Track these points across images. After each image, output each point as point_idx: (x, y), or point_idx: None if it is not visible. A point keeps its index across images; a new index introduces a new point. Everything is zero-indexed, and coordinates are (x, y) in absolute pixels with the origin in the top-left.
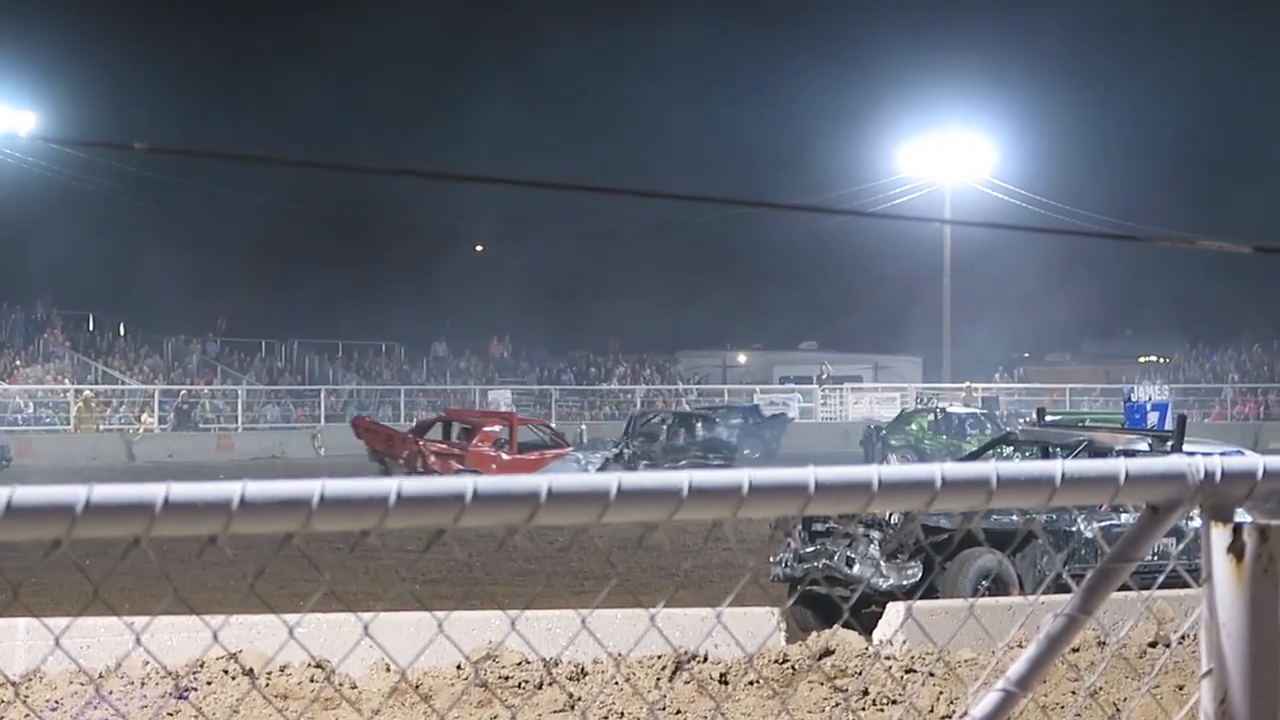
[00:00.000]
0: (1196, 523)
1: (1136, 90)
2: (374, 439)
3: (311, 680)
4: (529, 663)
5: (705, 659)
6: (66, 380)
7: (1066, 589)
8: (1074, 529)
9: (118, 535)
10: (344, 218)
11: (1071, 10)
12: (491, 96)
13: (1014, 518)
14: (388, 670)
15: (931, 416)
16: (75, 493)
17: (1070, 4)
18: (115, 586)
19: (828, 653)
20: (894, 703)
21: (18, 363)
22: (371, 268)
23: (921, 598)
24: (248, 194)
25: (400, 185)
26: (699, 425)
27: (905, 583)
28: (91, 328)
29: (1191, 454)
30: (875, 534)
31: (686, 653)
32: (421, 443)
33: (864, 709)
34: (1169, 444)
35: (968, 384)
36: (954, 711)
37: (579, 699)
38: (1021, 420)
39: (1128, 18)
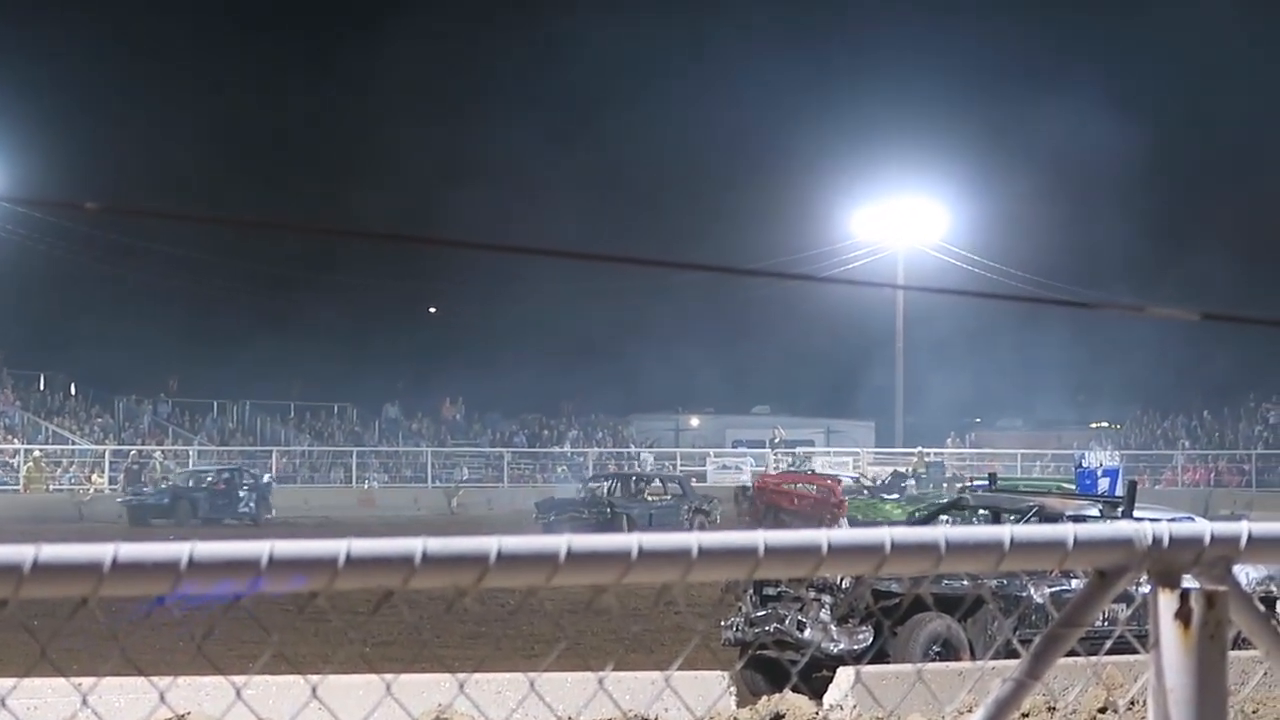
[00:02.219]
0: (1146, 588)
1: (1089, 158)
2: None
3: None
4: None
5: None
6: (16, 440)
7: (1016, 654)
8: (1024, 594)
9: (65, 595)
10: (295, 278)
11: (1025, 78)
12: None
13: (964, 582)
14: None
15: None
16: (23, 552)
17: (1023, 72)
18: (62, 647)
19: (778, 717)
20: None
21: None
22: (324, 329)
23: (871, 662)
24: (200, 254)
25: (353, 246)
26: None
27: (856, 647)
28: (42, 387)
29: (1141, 520)
30: (826, 598)
31: (636, 716)
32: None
33: None
34: (1120, 510)
35: (919, 449)
36: None
37: None
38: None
39: (1081, 86)
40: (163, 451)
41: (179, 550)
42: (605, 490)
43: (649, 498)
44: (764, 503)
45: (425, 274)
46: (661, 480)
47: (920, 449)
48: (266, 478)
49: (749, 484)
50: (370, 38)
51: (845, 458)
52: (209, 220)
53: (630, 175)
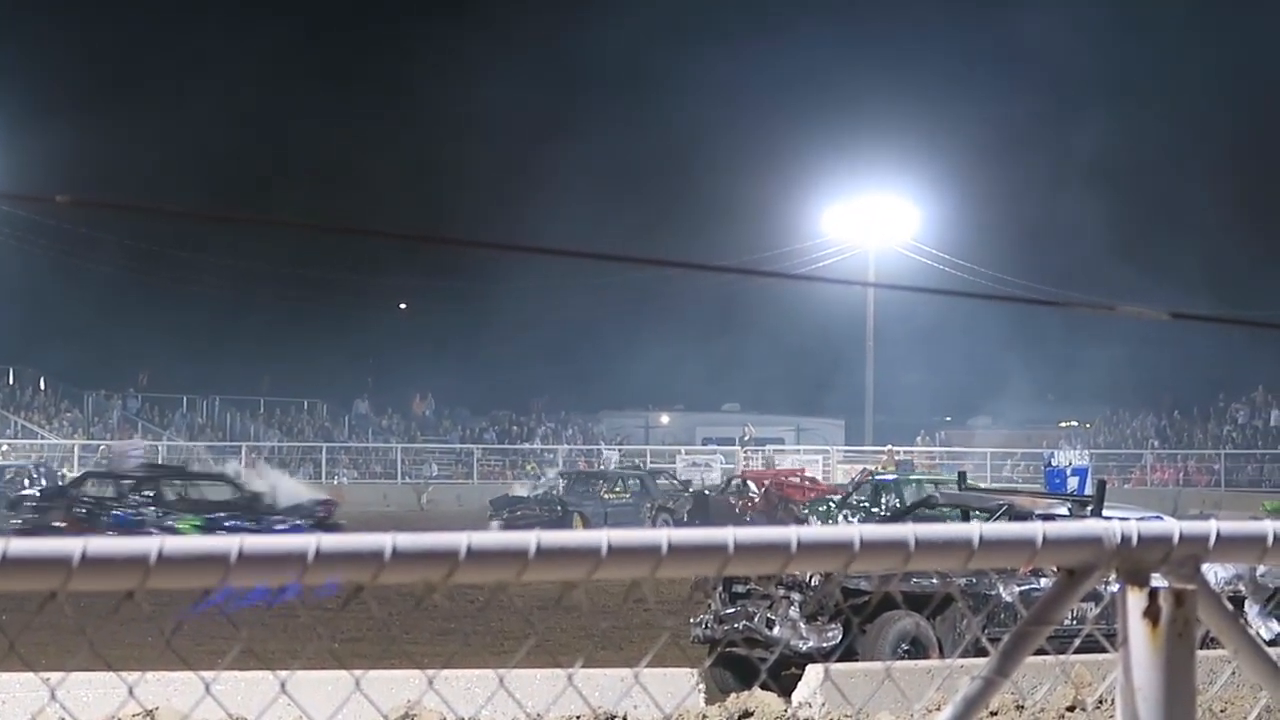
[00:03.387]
0: (1115, 587)
1: (1060, 157)
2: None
3: None
4: None
5: (624, 719)
6: None
7: (985, 652)
8: (993, 592)
9: (34, 589)
10: (267, 274)
11: (995, 78)
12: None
13: (933, 580)
14: None
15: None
16: None
17: (994, 72)
18: (31, 641)
19: (747, 714)
20: None
21: None
22: (294, 324)
23: (840, 660)
24: (170, 249)
25: (323, 241)
26: None
27: (824, 645)
28: (11, 381)
29: (1110, 519)
30: (795, 595)
31: (605, 713)
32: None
33: None
34: (1089, 508)
35: (889, 447)
36: None
37: None
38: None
39: (1052, 85)
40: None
41: (148, 545)
42: (560, 488)
43: (606, 495)
44: (779, 495)
45: (395, 270)
46: (622, 477)
47: (890, 447)
48: (64, 472)
49: (736, 478)
50: (340, 34)
51: (815, 456)
52: (178, 214)
53: (600, 172)
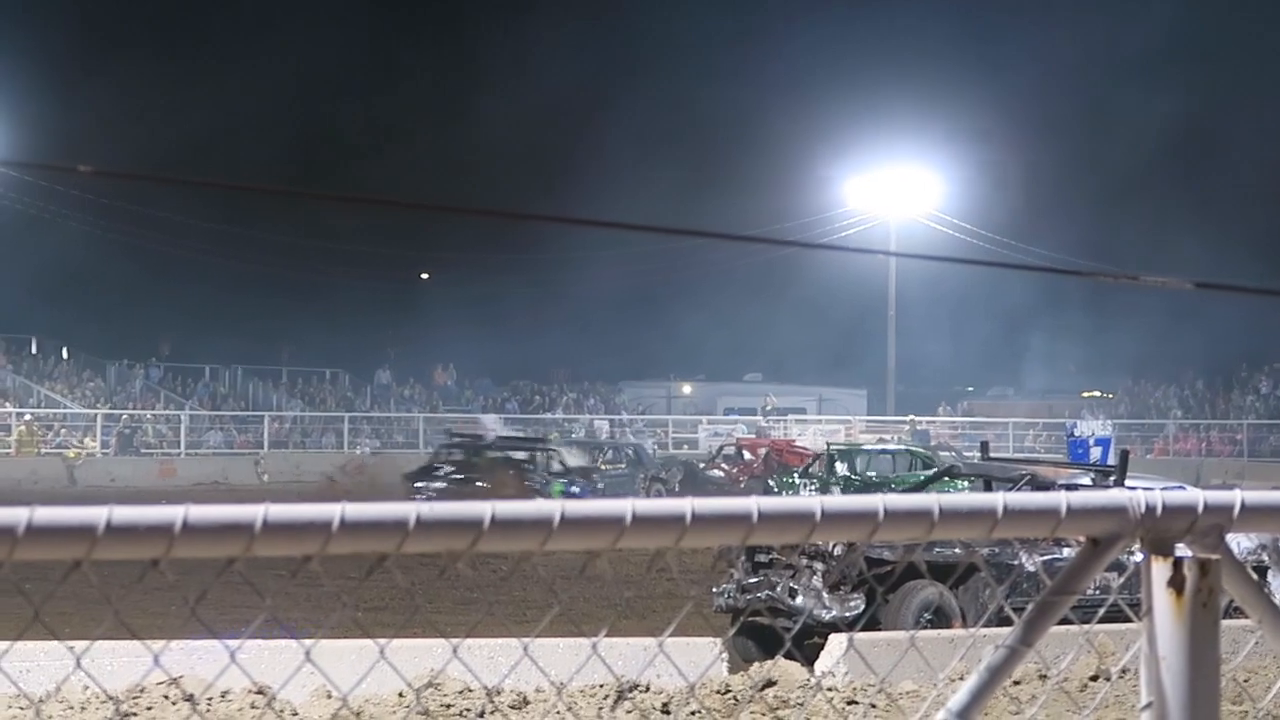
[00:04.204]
0: (1138, 557)
1: (1084, 126)
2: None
3: (253, 706)
4: (471, 691)
5: (647, 689)
6: (8, 403)
7: (1008, 622)
8: (1016, 562)
9: (59, 558)
10: (288, 243)
11: (1021, 46)
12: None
13: (956, 550)
14: (329, 697)
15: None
16: (16, 515)
17: (1019, 40)
18: (55, 610)
19: (770, 684)
20: None
21: None
22: (316, 294)
23: (864, 629)
24: (192, 218)
25: (346, 211)
26: None
27: (848, 614)
28: (34, 351)
29: (1133, 489)
30: (818, 565)
31: (629, 682)
32: None
33: None
34: (1112, 479)
35: (911, 417)
36: None
37: None
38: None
39: (1077, 53)
40: (154, 416)
41: (173, 514)
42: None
43: (603, 467)
44: (779, 463)
45: (417, 239)
46: (615, 448)
47: (911, 417)
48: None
49: (734, 445)
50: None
51: (837, 426)
52: (199, 184)
53: (621, 142)
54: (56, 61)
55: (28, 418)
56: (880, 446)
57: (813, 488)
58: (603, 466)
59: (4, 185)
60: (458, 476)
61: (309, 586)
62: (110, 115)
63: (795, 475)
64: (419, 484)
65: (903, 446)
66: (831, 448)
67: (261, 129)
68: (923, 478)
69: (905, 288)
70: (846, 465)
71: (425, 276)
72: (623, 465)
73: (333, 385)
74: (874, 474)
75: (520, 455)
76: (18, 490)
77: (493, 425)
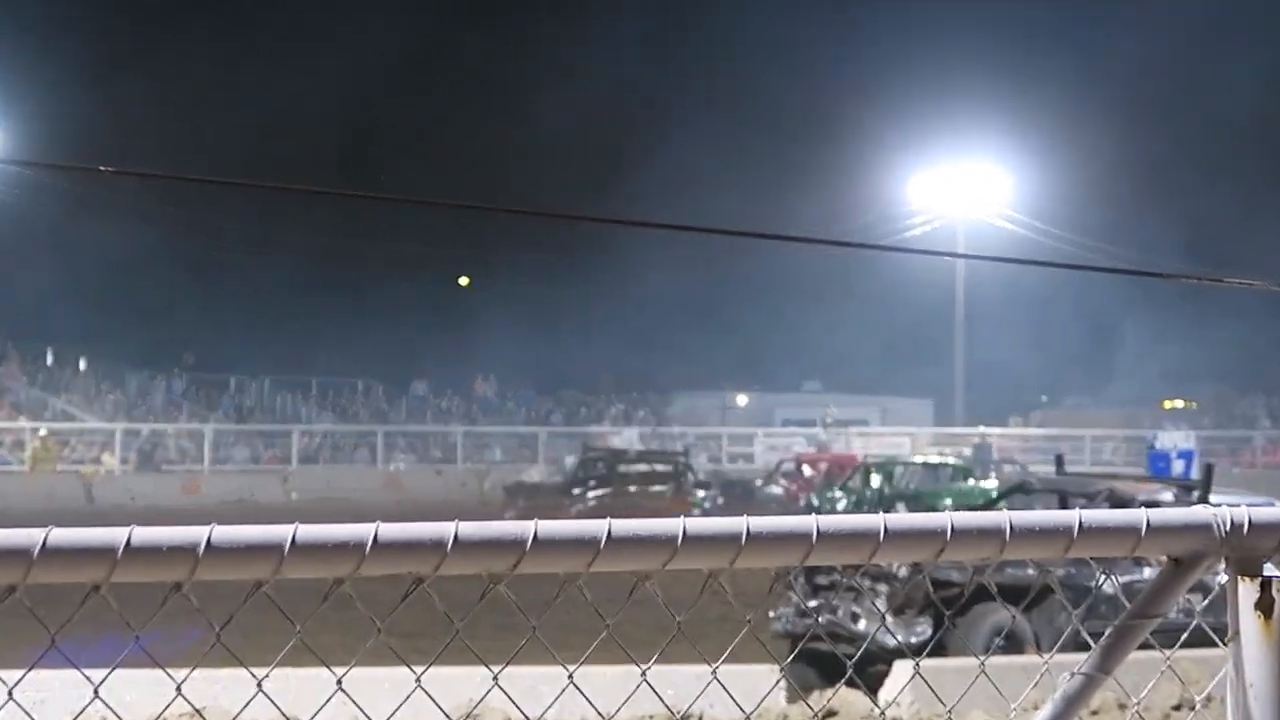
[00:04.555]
0: (1223, 577)
1: (1163, 121)
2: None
3: None
4: None
5: (700, 719)
6: (22, 418)
7: (1085, 647)
8: (1093, 584)
9: (77, 580)
10: (320, 247)
11: (1095, 35)
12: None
13: (1029, 571)
14: None
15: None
16: (32, 536)
17: (1093, 29)
18: (72, 636)
19: (831, 714)
20: None
21: None
22: (348, 300)
23: (930, 655)
24: (218, 221)
25: (380, 212)
26: None
27: (913, 640)
28: (50, 361)
29: (1218, 505)
30: (882, 587)
31: (680, 712)
32: None
33: None
34: (1195, 494)
35: (980, 429)
36: None
37: None
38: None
39: (1157, 44)
40: (176, 430)
41: (197, 534)
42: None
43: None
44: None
45: (456, 242)
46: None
47: (981, 429)
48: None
49: (794, 461)
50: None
51: (901, 438)
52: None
53: (675, 140)
54: (80, 56)
55: (43, 432)
56: (922, 460)
57: (844, 504)
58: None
59: (19, 186)
60: (600, 491)
61: (340, 610)
62: (134, 114)
63: (835, 490)
64: (575, 494)
65: (942, 460)
66: (868, 461)
67: (300, 125)
68: (994, 494)
69: (974, 291)
70: (883, 479)
71: (464, 281)
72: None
73: (365, 397)
74: (912, 488)
75: (663, 468)
76: (33, 510)
77: (627, 439)
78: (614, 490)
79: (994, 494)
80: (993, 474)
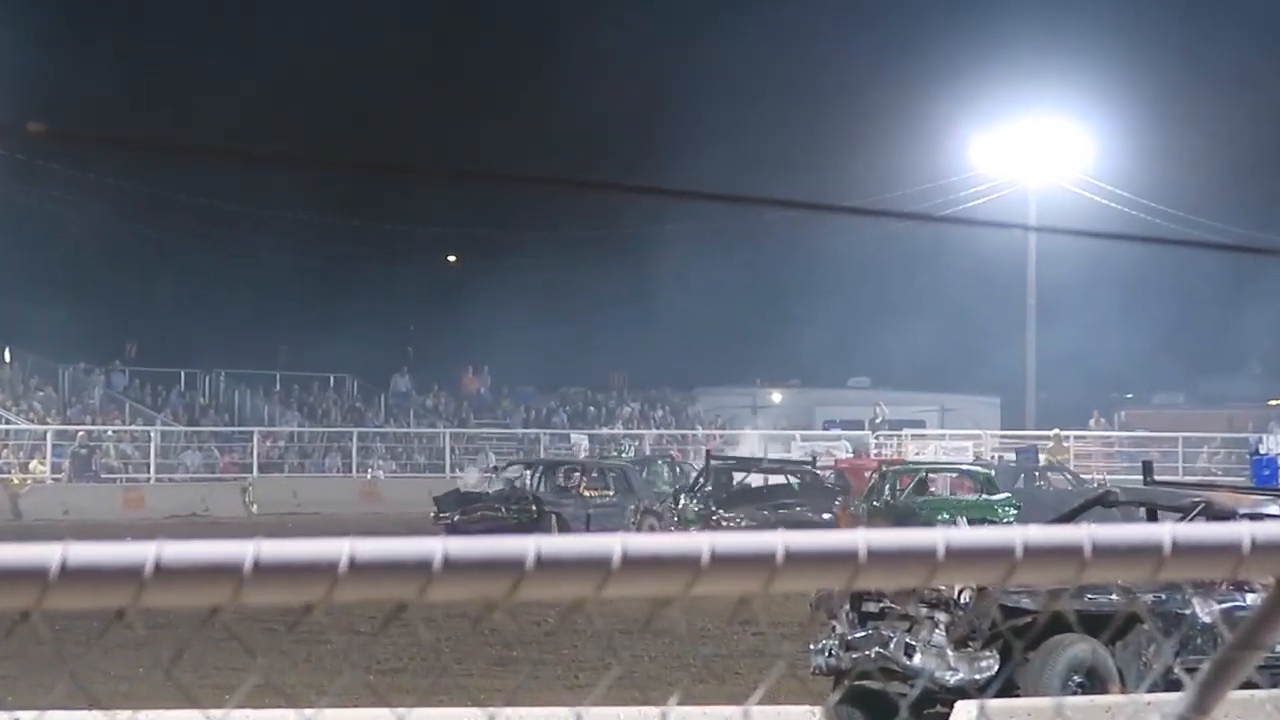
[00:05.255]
0: None
1: (1270, 72)
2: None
3: None
4: None
5: None
6: None
7: (1178, 685)
8: (1187, 611)
9: (2, 608)
10: (282, 219)
11: None
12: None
13: (1113, 597)
14: None
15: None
16: None
17: None
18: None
19: None
20: None
21: None
22: (317, 282)
23: (998, 695)
24: (165, 191)
25: (354, 182)
26: None
27: (978, 676)
28: None
29: None
30: (941, 616)
31: None
32: None
33: None
34: None
35: (1055, 431)
36: None
37: None
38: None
39: None
40: (117, 433)
41: (143, 552)
42: (529, 481)
43: (586, 493)
44: None
45: (443, 215)
46: (600, 471)
47: (1057, 431)
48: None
49: (833, 467)
50: None
51: (964, 442)
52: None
53: (704, 100)
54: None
55: None
56: (946, 464)
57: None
58: (586, 493)
59: None
60: (734, 510)
61: (310, 644)
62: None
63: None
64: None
65: (964, 465)
66: (884, 466)
67: (265, 84)
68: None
69: (1048, 271)
70: (889, 488)
71: (453, 259)
72: (610, 492)
73: (338, 394)
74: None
75: (795, 479)
76: None
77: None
78: (753, 508)
79: (1005, 508)
80: (1020, 482)
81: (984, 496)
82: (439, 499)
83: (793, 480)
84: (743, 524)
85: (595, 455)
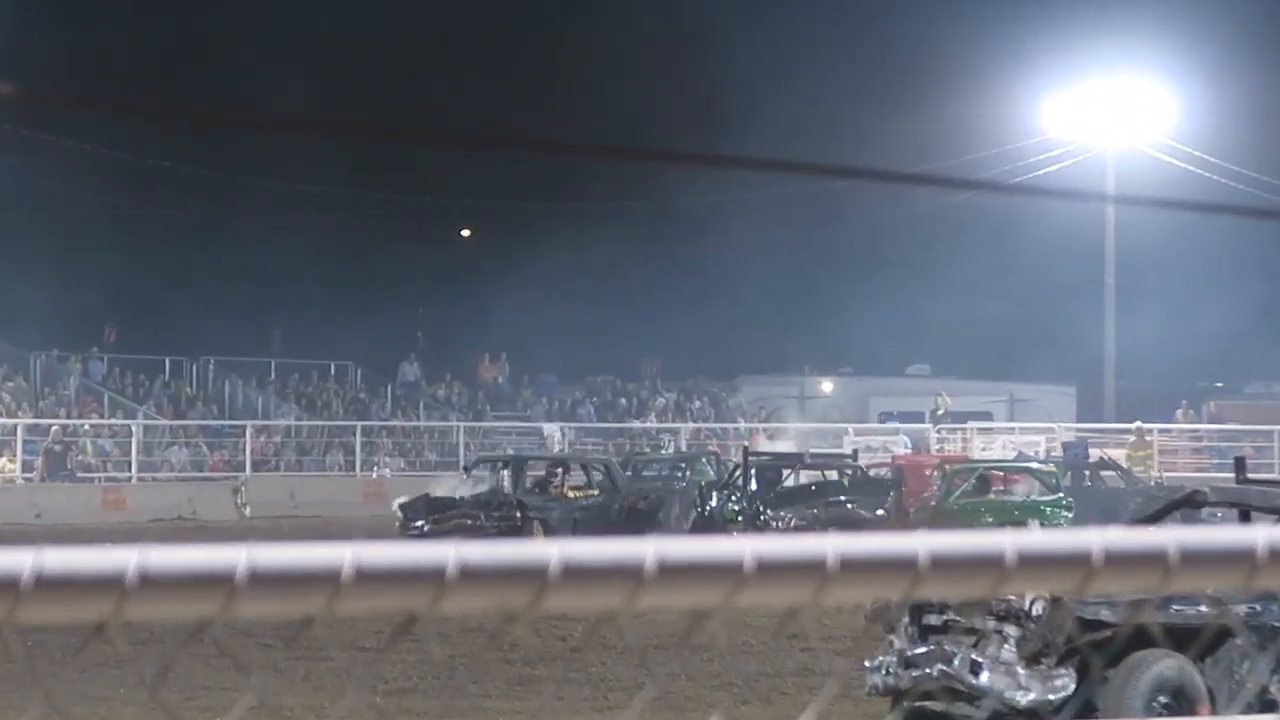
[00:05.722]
0: None
1: None
2: None
3: None
4: None
5: None
6: None
7: (1273, 706)
8: None
9: None
10: (276, 191)
11: None
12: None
13: (1202, 608)
14: None
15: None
16: None
17: None
18: None
19: None
20: None
21: None
22: (316, 260)
23: (1075, 718)
24: (148, 159)
25: (357, 149)
26: None
27: (1052, 697)
28: None
29: None
30: (1011, 630)
31: None
32: None
33: None
34: None
35: (1137, 424)
36: None
37: None
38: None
39: None
40: (95, 427)
41: (125, 560)
42: (506, 483)
43: (571, 494)
44: None
45: (455, 185)
46: (581, 467)
47: (1138, 424)
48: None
49: (890, 464)
50: None
51: (1036, 436)
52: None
53: (758, 61)
54: None
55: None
56: (1002, 463)
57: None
58: (570, 494)
59: None
60: (786, 511)
61: (309, 661)
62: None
63: None
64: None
65: (1025, 463)
66: (945, 464)
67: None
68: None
69: (1128, 246)
70: (976, 483)
71: (467, 234)
72: (596, 492)
73: (339, 384)
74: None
75: (848, 475)
76: None
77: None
78: (801, 507)
79: (1055, 509)
80: (1067, 480)
81: (1031, 497)
82: (405, 505)
83: (842, 476)
84: (791, 523)
85: (612, 452)
